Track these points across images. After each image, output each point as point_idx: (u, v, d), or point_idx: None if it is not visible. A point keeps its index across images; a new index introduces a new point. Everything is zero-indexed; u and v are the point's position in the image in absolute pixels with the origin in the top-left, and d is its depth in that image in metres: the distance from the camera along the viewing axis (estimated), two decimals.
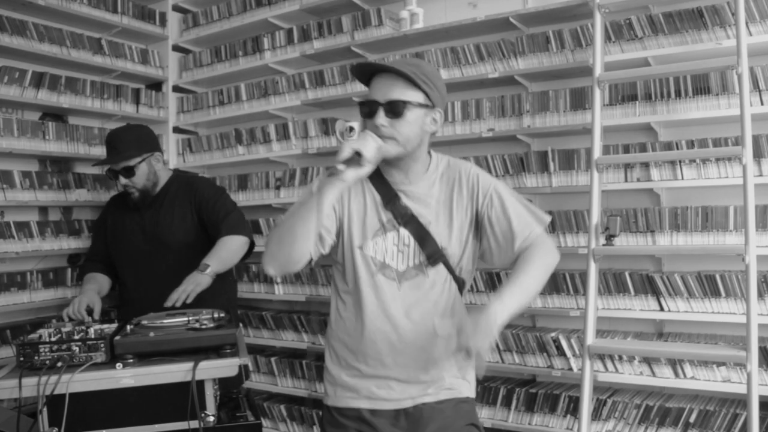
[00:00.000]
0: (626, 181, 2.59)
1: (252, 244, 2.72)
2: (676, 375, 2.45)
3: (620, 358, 2.53)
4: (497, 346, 2.79)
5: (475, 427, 1.71)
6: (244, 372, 2.03)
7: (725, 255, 2.49)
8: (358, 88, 3.19)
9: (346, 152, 1.49)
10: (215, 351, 1.94)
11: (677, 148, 2.51)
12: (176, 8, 3.90)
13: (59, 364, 1.83)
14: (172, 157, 3.86)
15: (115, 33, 3.57)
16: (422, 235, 1.65)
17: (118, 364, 1.84)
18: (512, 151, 2.89)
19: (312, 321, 3.29)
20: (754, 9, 2.33)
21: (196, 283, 2.40)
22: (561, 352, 2.66)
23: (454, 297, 1.71)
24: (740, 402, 2.40)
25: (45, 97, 3.18)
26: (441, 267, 1.67)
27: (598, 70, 2.48)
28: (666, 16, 2.50)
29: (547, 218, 1.69)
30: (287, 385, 3.37)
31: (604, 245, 2.47)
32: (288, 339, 3.39)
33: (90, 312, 2.48)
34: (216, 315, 2.11)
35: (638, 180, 2.57)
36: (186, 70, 3.89)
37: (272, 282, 3.44)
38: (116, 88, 3.53)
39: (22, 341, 1.87)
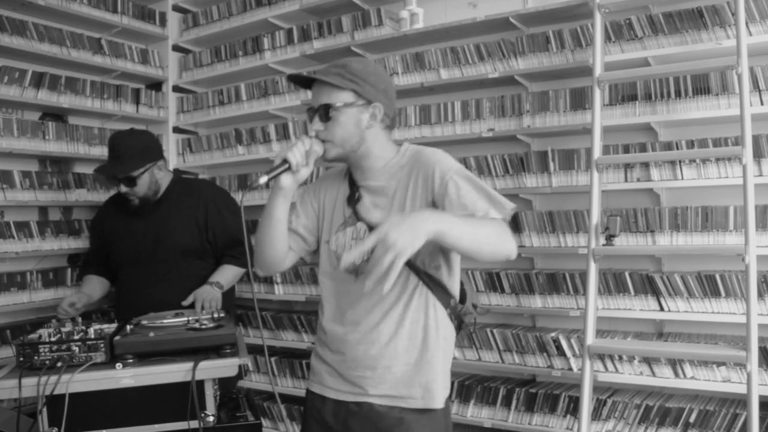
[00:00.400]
0: (626, 181, 2.59)
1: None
2: (676, 375, 2.45)
3: (620, 358, 2.53)
4: (497, 345, 2.79)
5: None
6: (242, 370, 2.04)
7: (725, 255, 2.49)
8: None
9: (276, 161, 1.60)
10: (215, 351, 1.94)
11: (677, 148, 2.51)
12: (176, 8, 3.90)
13: (59, 364, 1.83)
14: (172, 157, 3.86)
15: (115, 33, 3.58)
16: (373, 227, 1.62)
17: (118, 364, 1.84)
18: (512, 151, 2.89)
19: (312, 321, 3.29)
20: (754, 9, 2.33)
21: (212, 296, 2.46)
22: (561, 352, 2.66)
23: (413, 293, 1.64)
24: (740, 402, 2.40)
25: (45, 97, 3.18)
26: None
27: (598, 70, 2.48)
28: (666, 16, 2.50)
29: (510, 206, 1.56)
30: (287, 385, 3.37)
31: (604, 245, 2.47)
32: (288, 339, 3.39)
33: (72, 307, 2.48)
34: (216, 315, 2.11)
35: (638, 180, 2.57)
36: (186, 70, 3.89)
37: (272, 282, 3.44)
38: (116, 88, 3.53)
39: (22, 341, 1.87)
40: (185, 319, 2.09)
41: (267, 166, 3.58)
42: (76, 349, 1.86)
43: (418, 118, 3.06)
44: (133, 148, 2.60)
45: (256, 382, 3.47)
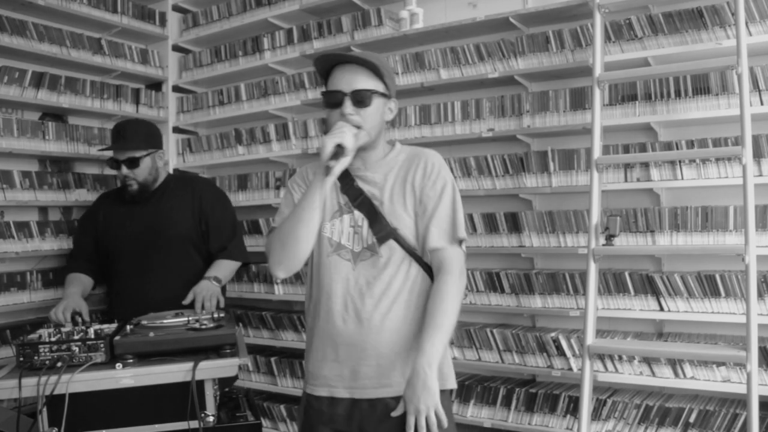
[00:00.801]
0: (626, 181, 2.59)
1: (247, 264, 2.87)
2: (676, 375, 2.45)
3: (620, 358, 2.53)
4: (497, 345, 2.79)
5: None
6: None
7: (725, 255, 2.49)
8: None
9: (329, 147, 1.55)
10: (215, 351, 1.94)
11: (677, 148, 2.51)
12: (176, 8, 3.90)
13: (59, 364, 1.83)
14: (172, 157, 3.86)
15: (115, 33, 3.57)
16: (373, 216, 1.68)
17: (117, 364, 1.84)
18: (512, 151, 2.89)
19: None
20: (754, 9, 2.33)
21: (212, 292, 2.45)
22: (561, 352, 2.66)
23: (415, 279, 1.69)
24: (740, 402, 2.40)
25: (45, 97, 3.18)
26: (396, 247, 1.67)
27: (597, 70, 2.48)
28: (666, 16, 2.50)
29: (463, 236, 1.69)
30: (287, 385, 3.37)
31: (604, 245, 2.47)
32: (288, 339, 3.39)
33: (75, 316, 2.42)
34: (216, 315, 2.11)
35: (638, 180, 2.57)
36: (186, 70, 3.89)
37: (272, 282, 3.44)
38: (116, 88, 3.53)
39: (22, 341, 1.87)
40: (185, 319, 2.10)
41: (267, 166, 3.60)
42: (76, 349, 1.87)
43: (418, 118, 3.06)
44: (139, 132, 2.68)
45: (256, 382, 3.47)
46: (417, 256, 1.69)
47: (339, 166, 1.57)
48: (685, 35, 2.48)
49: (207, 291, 2.46)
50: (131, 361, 1.87)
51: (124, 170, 2.64)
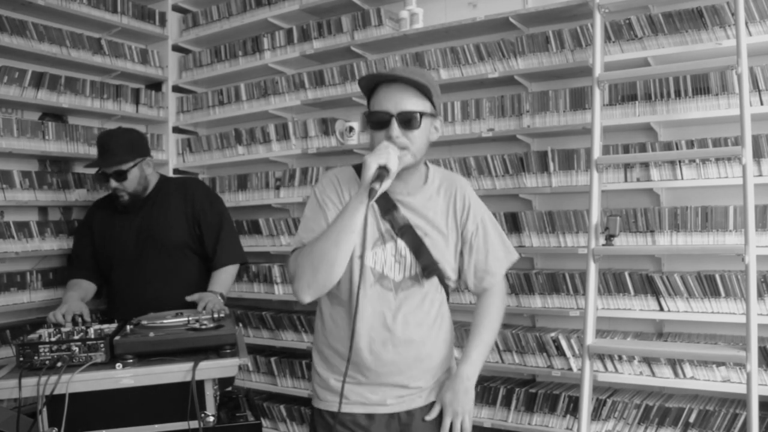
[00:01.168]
0: (626, 181, 2.59)
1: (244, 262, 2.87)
2: (676, 375, 2.45)
3: (620, 358, 2.53)
4: (497, 345, 2.79)
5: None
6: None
7: (725, 255, 2.49)
8: (357, 88, 3.18)
9: (372, 169, 1.47)
10: (215, 351, 1.94)
11: (677, 148, 2.51)
12: (176, 8, 3.90)
13: (59, 364, 1.83)
14: (172, 157, 3.86)
15: (114, 33, 3.58)
16: (418, 247, 1.66)
17: (117, 364, 1.84)
18: (512, 151, 2.89)
19: (312, 321, 3.29)
20: (754, 9, 2.33)
21: (218, 302, 2.44)
22: (561, 352, 2.66)
23: (444, 304, 1.78)
24: (740, 402, 2.40)
25: (45, 97, 3.18)
26: (434, 279, 1.70)
27: (597, 70, 2.48)
28: (666, 16, 2.50)
29: (516, 257, 1.81)
30: (287, 385, 3.37)
31: (603, 245, 2.47)
32: (288, 339, 3.39)
33: (76, 317, 2.40)
34: (216, 315, 2.11)
35: (638, 180, 2.57)
36: (186, 70, 3.89)
37: (272, 282, 3.44)
38: (116, 88, 3.53)
39: (22, 341, 1.87)
40: (185, 319, 2.09)
41: (267, 166, 3.60)
42: (76, 349, 1.86)
43: None
44: (122, 144, 2.64)
45: (256, 382, 3.47)
46: (445, 284, 1.75)
47: (382, 189, 1.49)
48: (685, 35, 2.48)
49: (212, 300, 2.45)
50: (131, 361, 1.86)
51: (113, 183, 2.62)
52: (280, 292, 3.43)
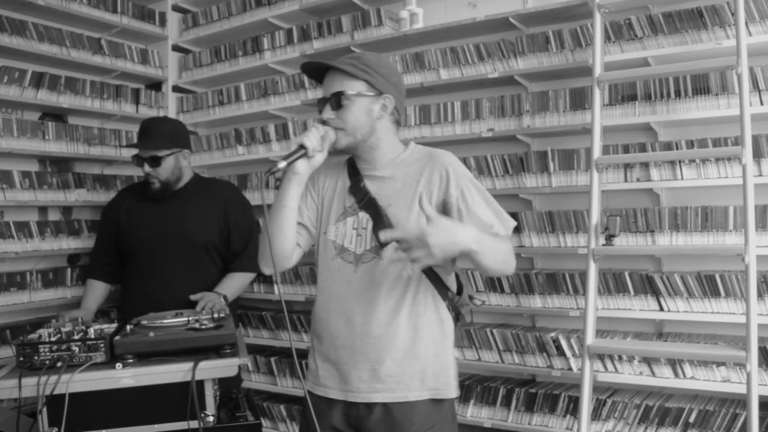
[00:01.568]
0: (626, 181, 2.59)
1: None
2: (676, 375, 2.45)
3: (620, 358, 2.53)
4: (497, 345, 2.79)
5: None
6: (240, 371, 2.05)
7: (725, 255, 2.49)
8: None
9: (292, 147, 1.61)
10: (215, 351, 1.94)
11: (677, 148, 2.51)
12: (176, 8, 3.90)
13: (59, 364, 1.83)
14: None
15: (114, 33, 3.57)
16: (377, 217, 1.66)
17: (117, 364, 1.84)
18: (512, 151, 2.89)
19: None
20: (754, 9, 2.33)
21: (219, 303, 2.45)
22: (561, 352, 2.66)
23: (418, 285, 1.66)
24: (740, 402, 2.40)
25: (45, 97, 3.18)
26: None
27: (597, 70, 2.48)
28: (666, 16, 2.50)
29: (513, 223, 1.68)
30: (287, 385, 3.37)
31: (603, 245, 2.47)
32: (288, 339, 3.39)
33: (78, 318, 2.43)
34: (216, 315, 2.11)
35: (638, 180, 2.57)
36: (186, 70, 3.89)
37: (272, 282, 3.44)
38: (116, 88, 3.53)
39: (22, 341, 1.87)
40: (185, 319, 2.09)
41: (267, 165, 3.60)
42: (76, 349, 1.86)
43: (418, 118, 3.06)
44: (163, 131, 2.66)
45: (256, 382, 3.47)
46: None
47: (302, 165, 1.61)
48: (685, 35, 2.48)
49: (214, 301, 2.45)
50: (131, 361, 1.86)
51: (147, 168, 2.63)
52: (280, 291, 3.42)
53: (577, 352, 2.62)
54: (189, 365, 1.84)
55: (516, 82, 2.88)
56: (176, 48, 3.89)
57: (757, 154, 2.32)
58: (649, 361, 2.49)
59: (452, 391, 1.72)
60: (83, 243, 3.27)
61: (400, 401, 1.64)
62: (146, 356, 1.90)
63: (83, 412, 1.81)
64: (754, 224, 2.17)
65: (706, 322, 2.45)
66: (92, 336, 1.93)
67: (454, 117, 2.97)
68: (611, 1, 2.48)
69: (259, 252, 1.72)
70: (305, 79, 3.40)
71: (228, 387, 2.19)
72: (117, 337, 1.90)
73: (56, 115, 3.40)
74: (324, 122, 1.66)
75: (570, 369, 2.64)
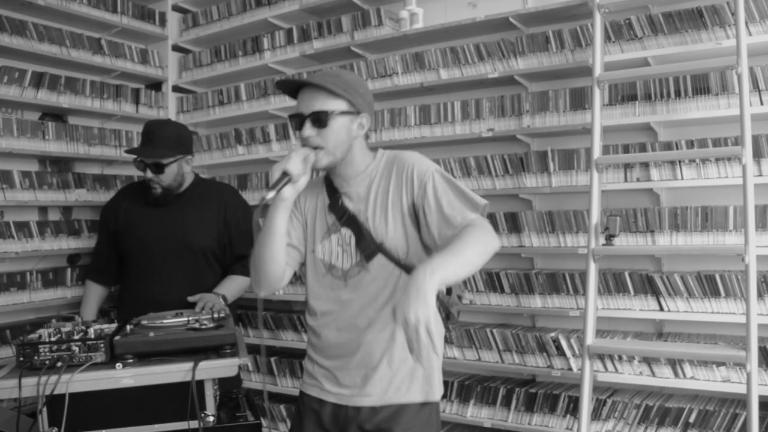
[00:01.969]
0: (626, 181, 2.59)
1: None
2: (676, 375, 2.45)
3: (620, 358, 2.53)
4: (497, 345, 2.79)
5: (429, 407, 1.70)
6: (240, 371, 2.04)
7: (725, 255, 2.49)
8: None
9: (275, 174, 1.59)
10: (215, 351, 1.94)
11: (677, 148, 2.51)
12: (176, 8, 3.90)
13: (59, 364, 1.82)
14: None
15: (114, 33, 3.58)
16: (358, 232, 1.69)
17: (117, 364, 1.84)
18: (512, 151, 2.89)
19: None
20: (754, 9, 2.33)
21: (218, 304, 2.44)
22: (561, 352, 2.66)
23: (404, 289, 1.61)
24: (740, 402, 2.40)
25: (45, 97, 3.18)
26: (384, 260, 1.66)
27: (597, 70, 2.48)
28: (666, 16, 2.50)
29: (482, 202, 1.62)
30: (287, 385, 3.37)
31: (603, 245, 2.47)
32: (288, 339, 3.39)
33: (75, 316, 2.44)
34: (216, 315, 2.11)
35: (638, 180, 2.57)
36: (186, 70, 3.89)
37: None
38: (116, 88, 3.53)
39: (22, 341, 1.87)
40: (185, 319, 2.09)
41: (267, 165, 3.60)
42: (76, 349, 1.86)
43: (418, 118, 3.06)
44: (168, 137, 2.61)
45: (256, 382, 3.47)
46: (405, 266, 1.67)
47: (288, 191, 1.60)
48: (685, 35, 2.48)
49: (213, 301, 2.45)
50: (131, 361, 1.86)
51: (149, 174, 2.58)
52: (280, 292, 3.42)
53: (577, 352, 2.62)
54: (189, 365, 1.84)
55: (516, 82, 2.88)
56: (176, 48, 3.90)
57: (757, 154, 2.32)
58: (649, 361, 2.49)
59: (438, 394, 1.74)
60: (83, 243, 3.27)
61: (388, 404, 1.68)
62: (146, 356, 1.89)
63: (83, 412, 1.81)
64: (754, 224, 2.17)
65: (706, 322, 2.45)
66: (92, 336, 1.93)
67: (454, 117, 2.97)
68: (611, 1, 2.48)
69: (251, 276, 1.75)
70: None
71: (229, 387, 2.19)
72: (117, 337, 1.90)
73: (56, 115, 3.40)
74: (303, 139, 1.65)
75: (570, 369, 2.64)
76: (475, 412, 2.83)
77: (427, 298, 1.32)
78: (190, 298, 2.45)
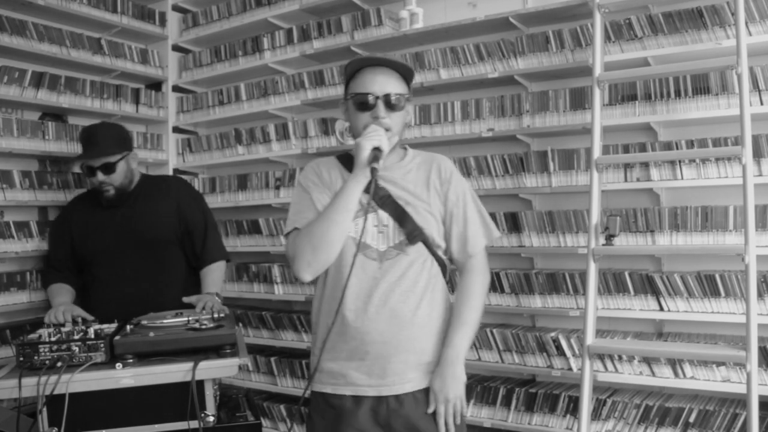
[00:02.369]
0: (626, 181, 2.59)
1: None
2: (676, 375, 2.45)
3: (620, 357, 2.53)
4: (497, 345, 2.79)
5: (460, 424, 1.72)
6: None
7: (725, 255, 2.49)
8: None
9: (367, 151, 1.59)
10: (215, 351, 1.94)
11: (677, 148, 2.51)
12: (176, 8, 3.90)
13: (59, 364, 1.83)
14: (172, 157, 3.86)
15: (114, 33, 3.57)
16: (400, 215, 1.70)
17: (117, 364, 1.84)
18: (512, 151, 2.89)
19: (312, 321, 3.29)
20: (754, 9, 2.33)
21: (216, 303, 2.43)
22: (561, 352, 2.66)
23: (436, 277, 1.75)
24: (740, 402, 2.40)
25: (45, 97, 3.18)
26: (421, 246, 1.71)
27: (597, 70, 2.48)
28: (666, 16, 2.50)
29: (497, 234, 1.81)
30: (287, 385, 3.37)
31: (603, 245, 2.47)
32: (288, 339, 3.39)
33: (76, 318, 2.35)
34: (216, 315, 2.11)
35: (638, 180, 2.57)
36: (186, 69, 3.89)
37: (272, 282, 3.44)
38: (116, 87, 3.53)
39: (22, 341, 1.87)
40: (185, 319, 2.10)
41: (267, 165, 3.60)
42: (76, 349, 1.87)
43: (418, 118, 3.06)
44: (110, 136, 2.63)
45: (256, 382, 3.47)
46: (436, 254, 1.75)
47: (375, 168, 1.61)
48: (685, 35, 2.48)
49: (211, 299, 2.45)
50: (131, 361, 1.87)
51: (100, 176, 2.57)
52: (280, 292, 3.43)
53: (577, 352, 2.62)
54: (189, 365, 1.85)
55: (516, 82, 2.88)
56: (176, 48, 3.89)
57: (757, 154, 2.32)
58: (649, 361, 2.49)
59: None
60: None
61: (427, 387, 1.70)
62: (146, 356, 1.90)
63: (83, 412, 1.81)
64: (754, 224, 2.17)
65: (706, 322, 2.45)
66: (92, 336, 1.93)
67: (454, 117, 2.97)
68: (611, 1, 2.48)
69: (300, 257, 1.64)
70: (305, 79, 3.40)
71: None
72: (117, 337, 1.90)
73: (56, 115, 3.40)
74: (375, 120, 1.66)
75: (570, 369, 2.64)
76: (475, 412, 2.83)
77: (460, 379, 1.67)
78: (186, 299, 2.44)
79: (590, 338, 2.39)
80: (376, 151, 1.58)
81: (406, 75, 1.69)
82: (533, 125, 2.79)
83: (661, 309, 2.51)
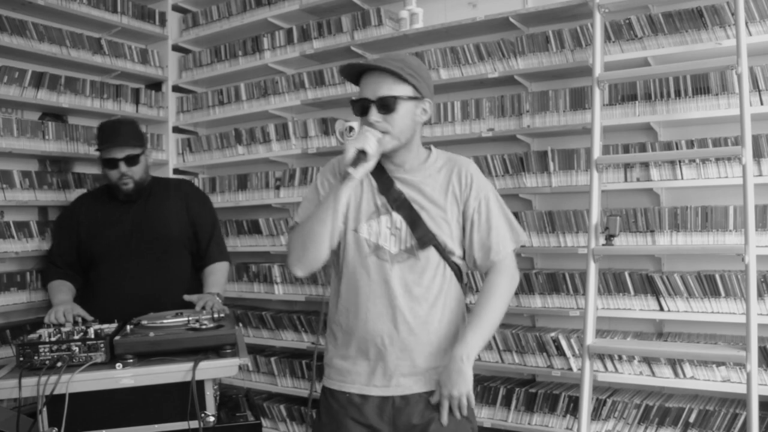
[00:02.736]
0: (626, 181, 2.59)
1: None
2: (676, 375, 2.45)
3: (620, 357, 2.53)
4: (497, 345, 2.79)
5: (467, 420, 1.71)
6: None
7: (725, 255, 2.49)
8: (358, 88, 3.18)
9: (351, 153, 1.59)
10: (215, 351, 1.94)
11: (677, 148, 2.51)
12: (176, 8, 3.90)
13: (59, 364, 1.83)
14: (172, 157, 3.86)
15: (114, 33, 3.58)
16: (414, 220, 1.70)
17: (117, 364, 1.84)
18: (512, 151, 2.89)
19: (312, 321, 3.29)
20: (754, 9, 2.33)
21: (217, 303, 2.44)
22: (561, 352, 2.66)
23: (449, 282, 1.74)
24: (740, 402, 2.40)
25: (45, 97, 3.18)
26: (433, 251, 1.71)
27: (597, 70, 2.48)
28: (666, 16, 2.50)
29: (524, 238, 1.78)
30: (287, 385, 3.37)
31: (603, 245, 2.47)
32: (288, 339, 3.39)
33: (76, 317, 2.34)
34: (216, 315, 2.11)
35: (638, 180, 2.57)
36: (186, 70, 3.89)
37: (272, 282, 3.44)
38: (116, 87, 3.53)
39: (22, 341, 1.87)
40: (185, 319, 2.09)
41: (267, 165, 3.60)
42: (76, 349, 1.87)
43: None
44: (132, 131, 2.67)
45: (256, 382, 3.47)
46: (450, 260, 1.73)
47: (360, 172, 1.61)
48: (685, 35, 2.48)
49: (212, 299, 2.45)
50: (131, 361, 1.87)
51: (123, 168, 2.58)
52: (280, 291, 3.43)
53: (577, 352, 2.62)
54: (189, 365, 1.85)
55: (516, 82, 2.88)
56: (176, 48, 3.89)
57: (757, 154, 2.32)
58: (649, 361, 2.49)
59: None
60: None
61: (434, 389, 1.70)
62: (146, 356, 1.90)
63: (83, 412, 1.81)
64: (754, 224, 2.17)
65: (706, 322, 2.45)
66: (92, 336, 1.93)
67: (454, 117, 2.97)
68: (611, 1, 2.48)
69: (291, 253, 1.70)
70: (305, 79, 3.40)
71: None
72: (117, 337, 1.90)
73: (56, 115, 3.40)
74: (369, 125, 1.65)
75: (570, 369, 2.64)
76: (475, 412, 2.82)
77: (467, 376, 1.63)
78: (187, 297, 2.44)
79: (590, 338, 2.39)
80: (360, 154, 1.59)
81: (405, 75, 1.67)
82: (533, 125, 2.79)
83: (661, 309, 2.51)
